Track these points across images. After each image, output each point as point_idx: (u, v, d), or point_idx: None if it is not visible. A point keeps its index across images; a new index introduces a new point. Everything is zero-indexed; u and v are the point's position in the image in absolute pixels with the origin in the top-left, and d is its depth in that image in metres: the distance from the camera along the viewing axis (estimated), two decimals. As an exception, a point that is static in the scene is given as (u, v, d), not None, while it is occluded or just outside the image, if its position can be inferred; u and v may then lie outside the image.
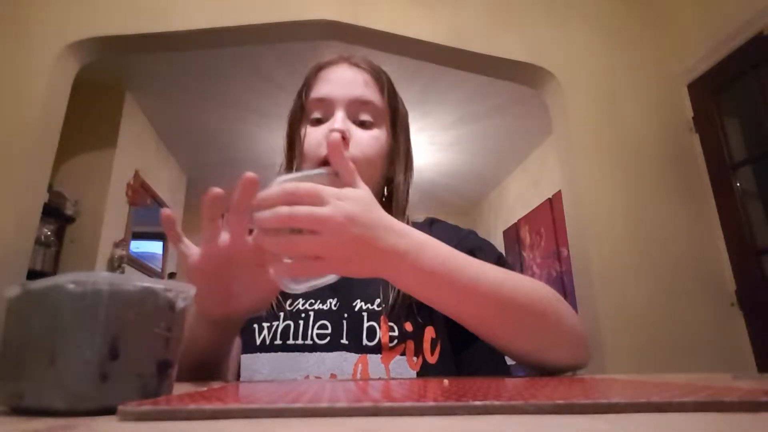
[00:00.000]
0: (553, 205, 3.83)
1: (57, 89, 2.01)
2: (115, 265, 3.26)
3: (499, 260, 0.61)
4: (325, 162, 0.64)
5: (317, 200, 0.40)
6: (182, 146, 4.31)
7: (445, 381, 0.39)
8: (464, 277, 0.46)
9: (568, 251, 2.32)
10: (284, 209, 0.39)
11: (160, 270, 4.23)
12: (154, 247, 4.32)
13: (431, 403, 0.20)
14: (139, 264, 3.74)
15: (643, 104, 2.28)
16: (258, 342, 0.61)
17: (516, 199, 4.65)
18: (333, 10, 2.17)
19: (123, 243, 3.37)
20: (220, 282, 0.47)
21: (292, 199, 0.40)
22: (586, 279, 2.06)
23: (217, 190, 0.43)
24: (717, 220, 2.11)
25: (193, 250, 0.46)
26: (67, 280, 0.23)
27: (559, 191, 2.74)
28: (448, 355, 0.60)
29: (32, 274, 2.19)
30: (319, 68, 0.70)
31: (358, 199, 0.43)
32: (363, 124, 0.66)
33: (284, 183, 0.41)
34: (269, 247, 0.40)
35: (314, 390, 0.28)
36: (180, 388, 0.29)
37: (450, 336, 0.61)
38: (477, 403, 0.21)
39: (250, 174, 0.42)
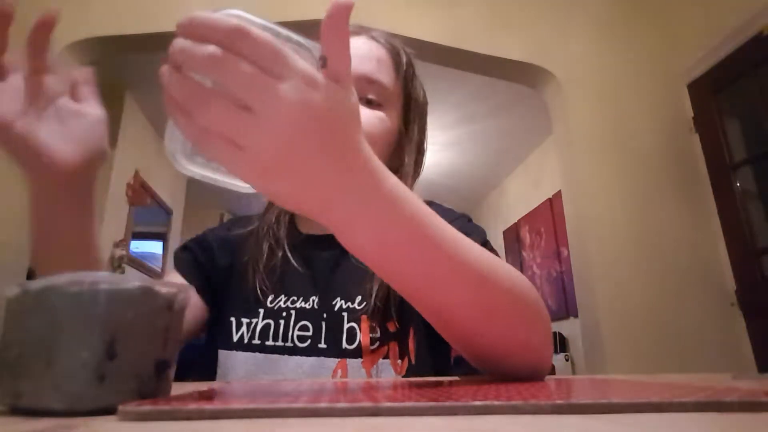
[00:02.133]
0: (553, 205, 3.83)
1: (57, 89, 2.01)
2: (115, 265, 3.26)
3: (484, 246, 0.56)
4: None
5: (275, 65, 0.26)
6: (182, 146, 4.31)
7: (445, 380, 0.39)
8: (444, 244, 0.34)
9: (568, 251, 2.32)
10: (220, 51, 0.25)
11: (160, 270, 4.23)
12: (154, 247, 4.32)
13: (431, 403, 0.20)
14: (139, 264, 3.74)
15: (643, 104, 2.28)
16: (235, 338, 0.57)
17: (516, 199, 4.65)
18: (333, 10, 2.17)
19: (123, 243, 3.37)
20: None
21: (239, 46, 0.25)
22: (586, 279, 2.06)
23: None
24: (717, 220, 2.11)
25: None
26: (64, 280, 0.23)
27: (559, 191, 2.74)
28: (424, 352, 0.56)
29: (32, 274, 2.19)
30: None
31: (336, 97, 0.28)
32: (369, 103, 0.60)
33: (238, 18, 0.27)
34: (173, 91, 0.26)
35: (314, 390, 0.28)
36: (180, 388, 0.29)
37: (428, 330, 0.55)
38: (477, 403, 0.20)
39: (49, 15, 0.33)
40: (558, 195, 3.46)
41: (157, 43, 2.14)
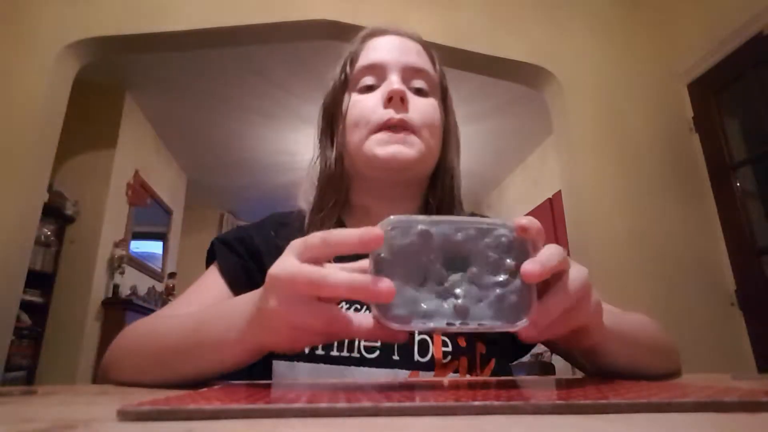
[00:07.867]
0: (553, 205, 3.83)
1: (57, 89, 2.01)
2: (115, 265, 3.26)
3: None
4: (379, 129, 0.57)
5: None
6: (182, 146, 4.31)
7: (445, 380, 0.39)
8: (629, 331, 0.48)
9: (569, 251, 2.32)
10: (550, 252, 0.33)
11: (160, 270, 4.23)
12: (154, 246, 4.32)
13: (431, 403, 0.20)
14: (139, 264, 3.74)
15: (643, 104, 2.28)
16: None
17: (516, 199, 4.65)
18: (333, 10, 2.17)
19: (123, 243, 3.37)
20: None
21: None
22: (586, 279, 2.06)
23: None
24: (717, 220, 2.11)
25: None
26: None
27: (559, 191, 2.74)
28: (495, 367, 0.55)
29: (32, 274, 2.19)
30: (365, 38, 0.66)
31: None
32: (419, 92, 0.61)
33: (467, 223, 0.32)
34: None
35: (314, 390, 0.28)
36: (180, 388, 0.29)
37: (502, 352, 0.56)
38: (477, 403, 0.20)
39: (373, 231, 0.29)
40: (558, 195, 3.46)
41: (157, 43, 2.13)
